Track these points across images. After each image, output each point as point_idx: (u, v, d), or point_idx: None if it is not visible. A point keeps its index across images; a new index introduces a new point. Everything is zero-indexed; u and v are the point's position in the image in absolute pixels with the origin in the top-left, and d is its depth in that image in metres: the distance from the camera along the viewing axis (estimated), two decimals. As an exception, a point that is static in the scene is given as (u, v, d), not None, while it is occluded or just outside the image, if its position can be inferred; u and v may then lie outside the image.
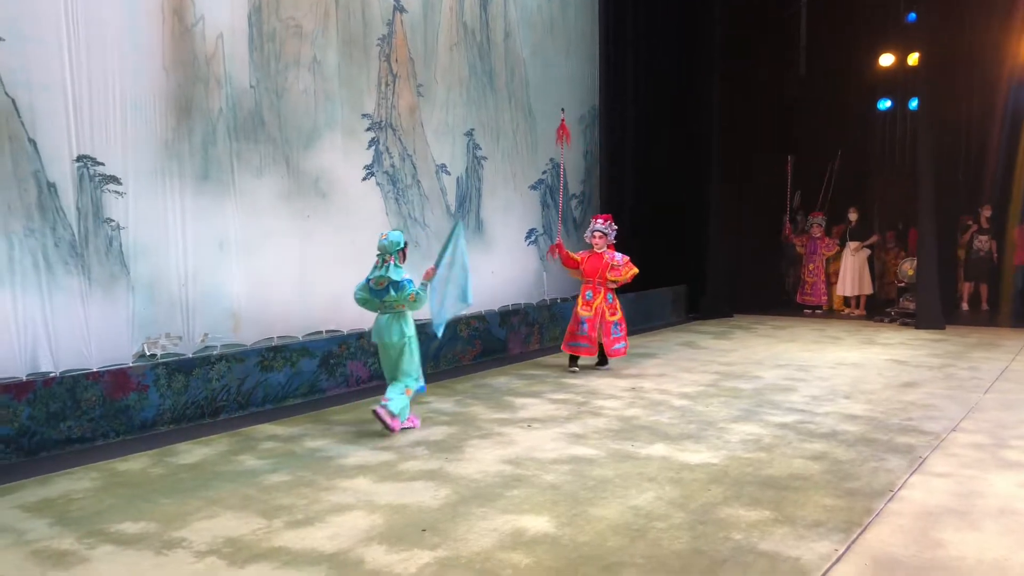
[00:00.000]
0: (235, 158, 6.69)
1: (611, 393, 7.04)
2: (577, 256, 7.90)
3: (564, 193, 10.47)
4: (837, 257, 12.38)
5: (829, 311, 12.46)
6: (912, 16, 12.62)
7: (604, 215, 8.36)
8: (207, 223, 6.50)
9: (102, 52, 5.79)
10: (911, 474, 4.81)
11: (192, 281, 6.39)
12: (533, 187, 9.99)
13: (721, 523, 4.06)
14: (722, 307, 12.02)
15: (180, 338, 6.32)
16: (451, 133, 8.79)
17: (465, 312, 6.45)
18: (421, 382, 5.98)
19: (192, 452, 5.42)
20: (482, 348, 8.80)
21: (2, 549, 3.85)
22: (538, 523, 4.08)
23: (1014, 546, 3.80)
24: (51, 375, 5.53)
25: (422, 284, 5.78)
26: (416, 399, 6.05)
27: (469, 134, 9.01)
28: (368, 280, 5.76)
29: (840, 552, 3.71)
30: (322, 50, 7.37)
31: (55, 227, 5.59)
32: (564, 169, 8.33)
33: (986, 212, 11.93)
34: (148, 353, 6.11)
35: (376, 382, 7.49)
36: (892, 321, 11.29)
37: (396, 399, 5.72)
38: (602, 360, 8.08)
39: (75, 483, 4.80)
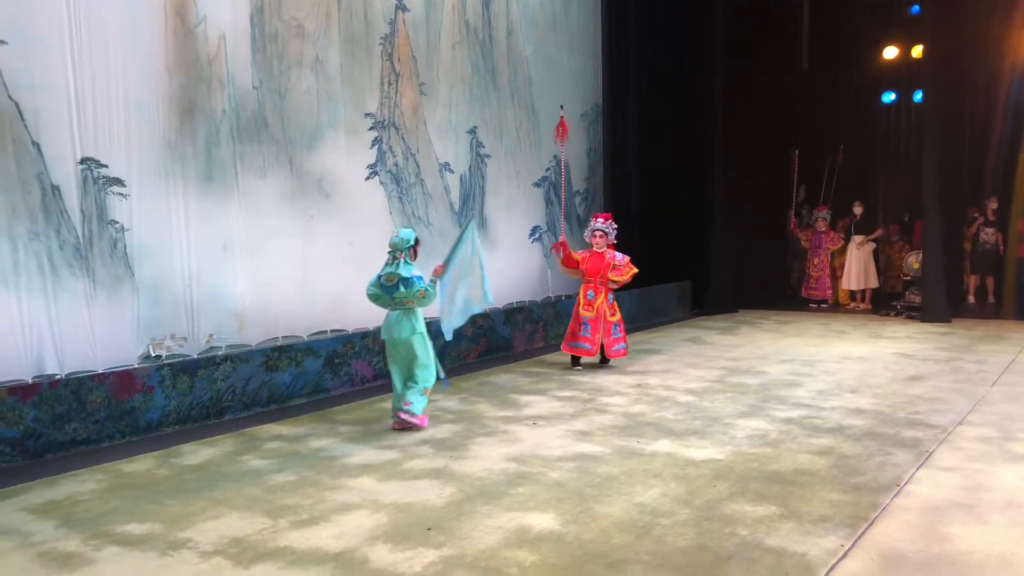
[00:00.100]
0: (238, 159, 6.70)
1: (616, 390, 7.03)
2: (577, 256, 7.85)
3: (567, 190, 10.48)
4: (842, 251, 12.33)
5: (835, 305, 12.42)
6: (915, 8, 12.56)
7: (604, 214, 8.30)
8: (211, 224, 6.51)
9: (105, 53, 5.81)
10: (918, 468, 4.79)
11: (196, 282, 6.41)
12: (537, 184, 9.99)
13: (727, 519, 4.05)
14: (727, 302, 11.99)
15: (185, 339, 6.34)
16: (454, 131, 8.78)
17: (480, 311, 6.42)
18: (443, 375, 6.00)
19: (197, 453, 5.43)
20: (487, 346, 8.80)
21: (8, 551, 3.87)
22: (543, 520, 4.07)
23: (1022, 539, 3.78)
24: (56, 377, 5.55)
25: (431, 281, 5.80)
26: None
27: (472, 132, 9.01)
28: (380, 276, 5.79)
29: (847, 547, 3.70)
30: (324, 50, 7.37)
31: (59, 229, 5.61)
32: (566, 166, 8.29)
33: (992, 204, 11.87)
34: (153, 354, 6.12)
35: (381, 381, 7.50)
36: (898, 315, 11.25)
37: (416, 401, 5.79)
38: (603, 360, 8.05)
39: (81, 485, 4.81)
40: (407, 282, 5.67)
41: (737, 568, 3.52)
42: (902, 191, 12.96)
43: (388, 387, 7.14)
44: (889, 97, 13.96)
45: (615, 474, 4.77)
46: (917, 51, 12.35)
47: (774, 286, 13.09)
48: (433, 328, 6.08)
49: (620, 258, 7.87)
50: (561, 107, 8.24)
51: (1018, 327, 10.12)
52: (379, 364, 7.57)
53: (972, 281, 12.25)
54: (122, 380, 5.79)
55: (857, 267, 12.09)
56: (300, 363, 6.91)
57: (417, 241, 5.87)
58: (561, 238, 7.97)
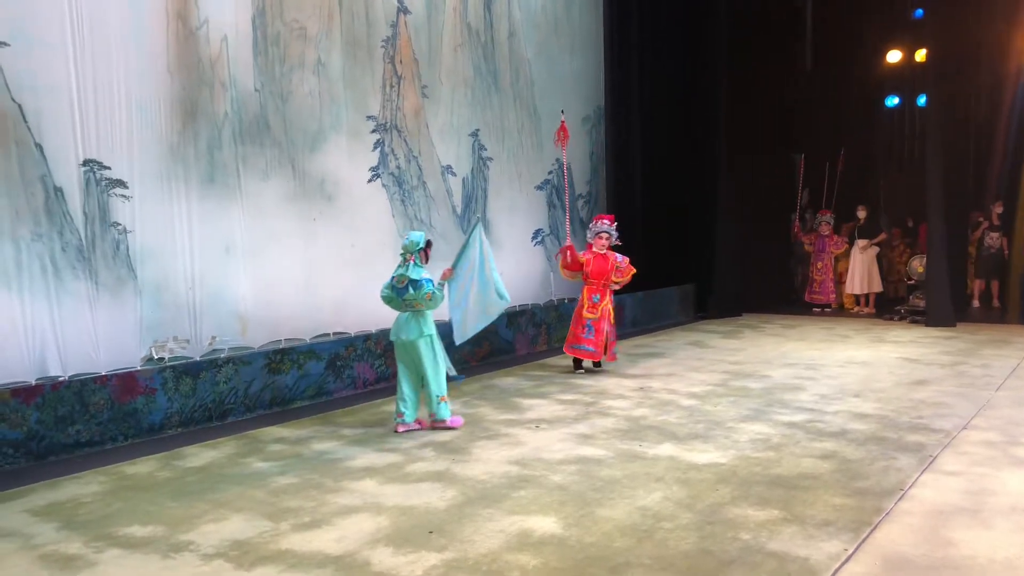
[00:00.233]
0: (241, 161, 6.71)
1: (619, 393, 7.02)
2: (581, 258, 7.80)
3: (571, 194, 10.47)
4: (846, 255, 12.30)
5: (839, 309, 12.39)
6: (919, 12, 12.53)
7: (607, 215, 8.27)
8: (213, 226, 6.51)
9: (107, 56, 5.82)
10: (922, 472, 4.76)
11: (199, 284, 6.41)
12: (539, 187, 9.98)
13: (729, 523, 4.03)
14: (730, 306, 11.96)
15: (188, 341, 6.34)
16: (456, 134, 8.79)
17: (497, 316, 6.41)
18: (453, 372, 6.02)
19: (200, 455, 5.43)
20: (489, 349, 8.79)
21: (11, 553, 3.87)
22: (545, 524, 4.06)
23: (1027, 545, 3.76)
24: (59, 379, 5.55)
25: (439, 284, 5.81)
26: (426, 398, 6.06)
27: (474, 135, 9.01)
28: (392, 278, 5.82)
29: (850, 552, 3.68)
30: (326, 52, 7.38)
31: (62, 231, 5.62)
32: (569, 170, 8.26)
33: (997, 208, 11.83)
34: (156, 356, 6.13)
35: (383, 384, 7.50)
36: (902, 319, 11.21)
37: (439, 410, 5.85)
38: (596, 363, 8.03)
39: (83, 487, 4.81)
40: (416, 284, 5.70)
41: (739, 572, 3.51)
42: (905, 195, 12.93)
43: (391, 390, 7.16)
44: (893, 101, 13.94)
45: (617, 477, 4.75)
46: (921, 55, 12.33)
47: (777, 290, 13.06)
48: (442, 330, 6.08)
49: (621, 259, 7.86)
50: (562, 111, 8.23)
51: (1023, 331, 10.08)
52: (381, 367, 7.57)
53: (977, 285, 12.21)
54: (125, 382, 5.79)
55: (861, 271, 12.05)
56: (302, 366, 6.91)
57: (428, 244, 5.89)
58: (567, 242, 7.93)
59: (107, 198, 5.86)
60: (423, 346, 5.79)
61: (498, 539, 3.89)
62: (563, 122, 7.91)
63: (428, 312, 5.83)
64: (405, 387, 5.88)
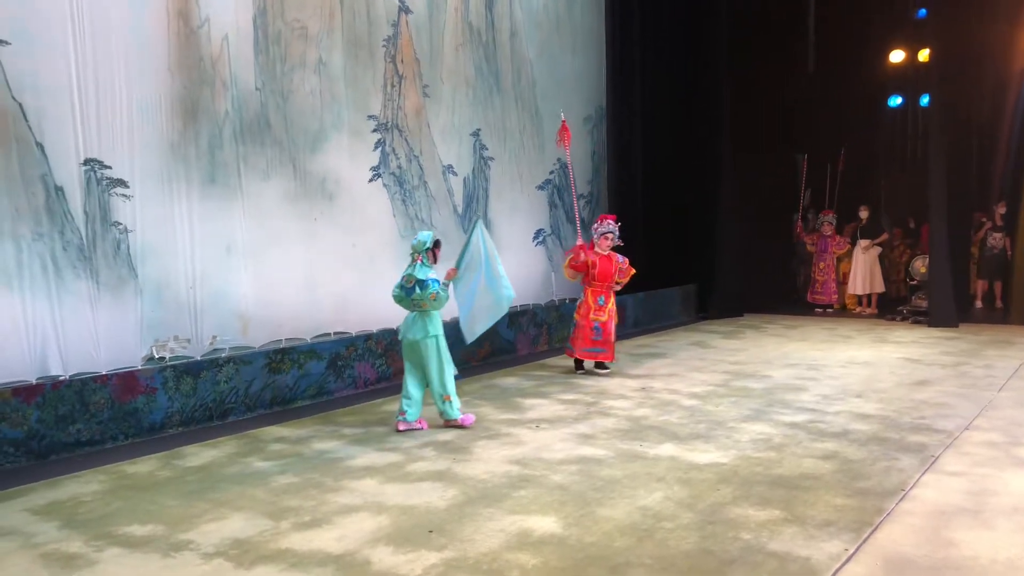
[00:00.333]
0: (241, 161, 6.71)
1: (620, 393, 7.01)
2: (589, 260, 7.71)
3: (572, 193, 10.45)
4: (848, 255, 12.27)
5: (841, 309, 12.36)
6: (922, 12, 12.51)
7: (610, 215, 8.22)
8: (214, 226, 6.51)
9: (108, 55, 5.82)
10: (923, 473, 4.75)
11: (200, 284, 6.41)
12: (540, 187, 9.97)
13: (730, 523, 4.02)
14: (732, 306, 11.94)
15: (189, 341, 6.34)
16: (457, 134, 8.78)
17: (504, 313, 6.38)
18: (455, 371, 6.02)
19: (200, 454, 5.43)
20: (490, 349, 8.78)
21: (11, 552, 3.87)
22: (545, 523, 4.05)
23: (1029, 545, 3.74)
24: (60, 378, 5.55)
25: (443, 284, 5.82)
26: (426, 400, 6.05)
27: (476, 134, 9.01)
28: (402, 278, 5.86)
29: (850, 552, 3.67)
30: (327, 52, 7.38)
31: (63, 231, 5.62)
32: (572, 170, 8.23)
33: (1000, 209, 11.79)
34: (157, 356, 6.13)
35: (384, 383, 7.50)
36: (904, 319, 11.19)
37: (448, 410, 5.88)
38: (581, 365, 7.99)
39: (84, 486, 4.81)
40: (422, 284, 5.74)
41: (740, 572, 3.50)
42: (907, 195, 12.90)
43: (392, 389, 7.18)
44: (896, 101, 13.90)
45: (618, 477, 4.75)
46: (924, 55, 12.30)
47: (779, 290, 13.03)
48: (450, 330, 6.08)
49: (622, 260, 7.83)
50: (562, 112, 8.19)
51: (1025, 332, 10.06)
52: (382, 366, 7.56)
53: (980, 286, 12.17)
54: (125, 381, 5.79)
55: (863, 271, 12.03)
56: (303, 365, 6.91)
57: (437, 244, 5.89)
58: (580, 241, 7.82)
59: (108, 197, 5.86)
60: (428, 346, 5.81)
61: (498, 538, 3.88)
62: (564, 122, 7.88)
63: (435, 312, 5.85)
64: (410, 386, 5.89)
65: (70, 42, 5.61)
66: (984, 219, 11.97)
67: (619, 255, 7.84)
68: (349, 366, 7.29)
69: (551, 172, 10.08)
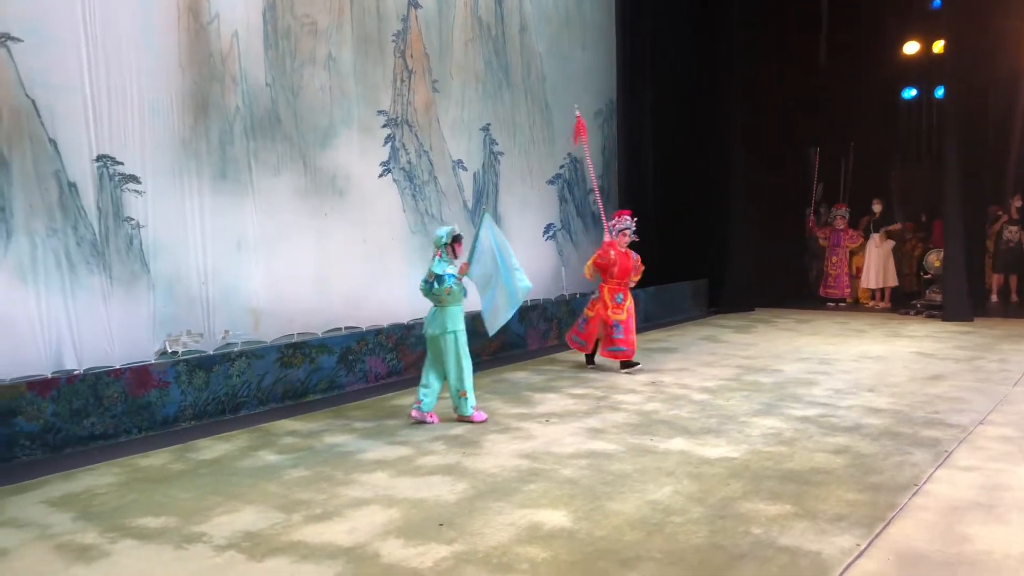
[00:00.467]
0: (252, 156, 6.74)
1: (631, 388, 7.00)
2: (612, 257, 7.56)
3: (583, 188, 10.44)
4: (861, 249, 12.18)
5: (853, 303, 12.28)
6: (937, 3, 12.37)
7: (626, 211, 8.05)
8: (225, 221, 6.55)
9: (119, 51, 5.86)
10: (937, 468, 4.71)
11: (212, 279, 6.45)
12: (550, 182, 9.96)
13: (740, 517, 4.01)
14: (743, 301, 11.89)
15: (201, 335, 6.39)
16: (467, 129, 8.78)
17: (521, 302, 6.36)
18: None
19: (212, 448, 5.46)
20: (501, 343, 8.78)
21: (27, 543, 3.92)
22: (555, 517, 4.06)
23: (1043, 540, 3.71)
24: (74, 372, 5.60)
25: (457, 279, 5.84)
26: (442, 395, 6.07)
27: (485, 129, 9.00)
28: (426, 272, 5.91)
29: (862, 547, 3.65)
30: (337, 47, 7.39)
31: (76, 226, 5.67)
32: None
33: (1016, 202, 11.67)
34: (169, 350, 6.17)
35: (395, 378, 7.52)
36: (918, 314, 11.10)
37: (462, 406, 5.90)
38: (592, 360, 7.95)
39: (98, 478, 4.86)
40: (439, 279, 5.77)
41: (750, 566, 3.49)
42: (919, 189, 12.78)
43: (402, 384, 7.25)
44: (910, 93, 13.76)
45: (628, 472, 4.74)
46: (938, 46, 12.17)
47: (791, 284, 12.96)
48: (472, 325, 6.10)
49: (635, 257, 7.77)
50: (576, 107, 8.13)
51: (1041, 326, 9.96)
52: (393, 361, 7.59)
53: (995, 280, 12.05)
54: (139, 375, 5.84)
55: (876, 265, 11.94)
56: (314, 360, 6.94)
57: (456, 239, 5.90)
58: (607, 238, 7.64)
59: (120, 193, 5.90)
60: (447, 341, 5.85)
61: (508, 532, 3.89)
62: (579, 117, 7.82)
63: (455, 308, 5.87)
64: (430, 376, 5.95)
65: (81, 39, 5.65)
66: (999, 212, 11.84)
67: (633, 252, 7.78)
68: (360, 360, 7.32)
69: (561, 167, 10.06)
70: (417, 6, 8.16)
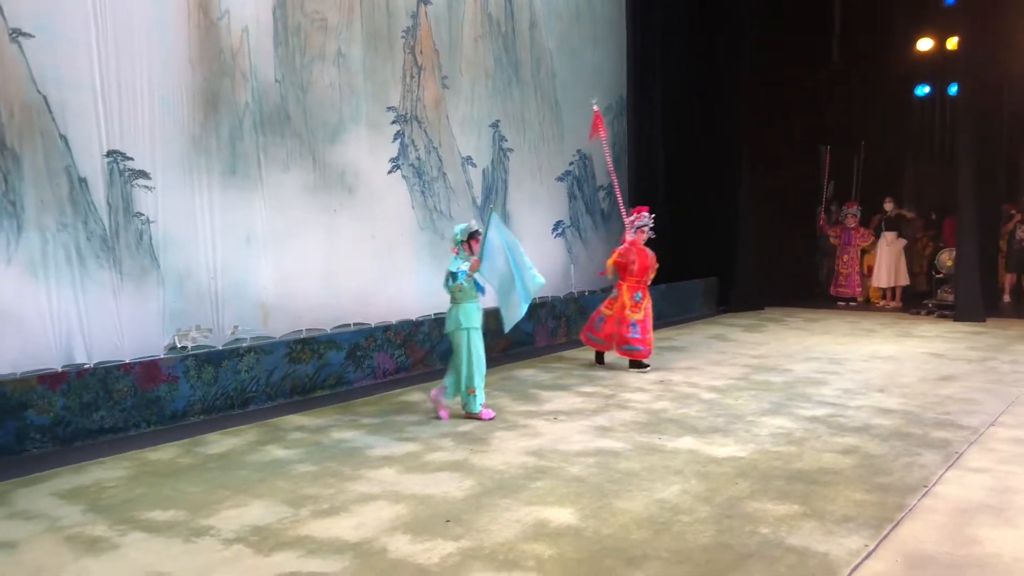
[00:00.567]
0: (262, 152, 6.75)
1: (639, 386, 6.98)
2: (632, 255, 7.48)
3: (592, 185, 10.40)
4: (872, 248, 12.09)
5: (864, 303, 12.21)
6: (951, -1, 12.26)
7: (644, 207, 7.85)
8: (235, 217, 6.57)
9: (130, 47, 5.88)
10: (947, 469, 4.68)
11: (221, 274, 6.47)
12: (560, 179, 9.94)
13: (748, 517, 3.99)
14: (753, 299, 11.83)
15: (210, 330, 6.41)
16: (477, 125, 8.77)
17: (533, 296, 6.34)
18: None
19: (221, 442, 5.49)
20: (509, 341, 8.77)
21: (37, 535, 3.95)
22: (562, 515, 4.05)
23: (1054, 543, 3.68)
24: (85, 366, 5.64)
25: (468, 276, 5.85)
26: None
27: (495, 126, 8.99)
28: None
29: (870, 548, 3.63)
30: (347, 43, 7.39)
31: (87, 221, 5.70)
32: (610, 160, 8.09)
33: (1029, 201, 11.58)
34: (179, 345, 6.20)
35: (403, 374, 7.54)
36: (929, 313, 11.02)
37: (471, 403, 5.92)
38: (602, 359, 7.91)
39: (108, 472, 4.89)
40: (453, 276, 5.82)
41: (757, 566, 3.47)
42: (930, 187, 12.67)
43: (410, 380, 7.34)
44: (923, 90, 13.65)
45: (635, 470, 4.73)
46: (952, 42, 12.06)
47: (802, 283, 12.89)
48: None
49: (651, 254, 7.68)
50: (594, 101, 8.04)
51: (1054, 326, 9.87)
52: (401, 357, 7.60)
53: (1008, 280, 11.96)
54: (148, 370, 5.87)
55: (887, 264, 11.86)
56: (323, 355, 6.96)
57: (473, 235, 5.90)
58: (630, 238, 7.52)
59: (130, 188, 5.93)
60: (459, 338, 5.90)
61: (514, 529, 3.89)
62: (597, 112, 7.74)
63: (468, 305, 5.89)
64: (450, 372, 6.00)
65: (92, 35, 5.67)
66: (1013, 211, 11.74)
67: (649, 249, 7.68)
68: (368, 356, 7.33)
69: (570, 163, 10.04)
70: (427, 2, 8.15)
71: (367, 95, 7.59)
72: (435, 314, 8.03)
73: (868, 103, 13.02)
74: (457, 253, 5.89)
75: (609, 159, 8.04)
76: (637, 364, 7.64)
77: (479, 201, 8.80)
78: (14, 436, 5.21)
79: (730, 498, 4.25)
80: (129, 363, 5.82)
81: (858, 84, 13.08)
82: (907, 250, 12.16)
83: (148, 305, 6.05)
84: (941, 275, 11.41)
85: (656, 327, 10.24)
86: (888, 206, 11.92)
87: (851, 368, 7.59)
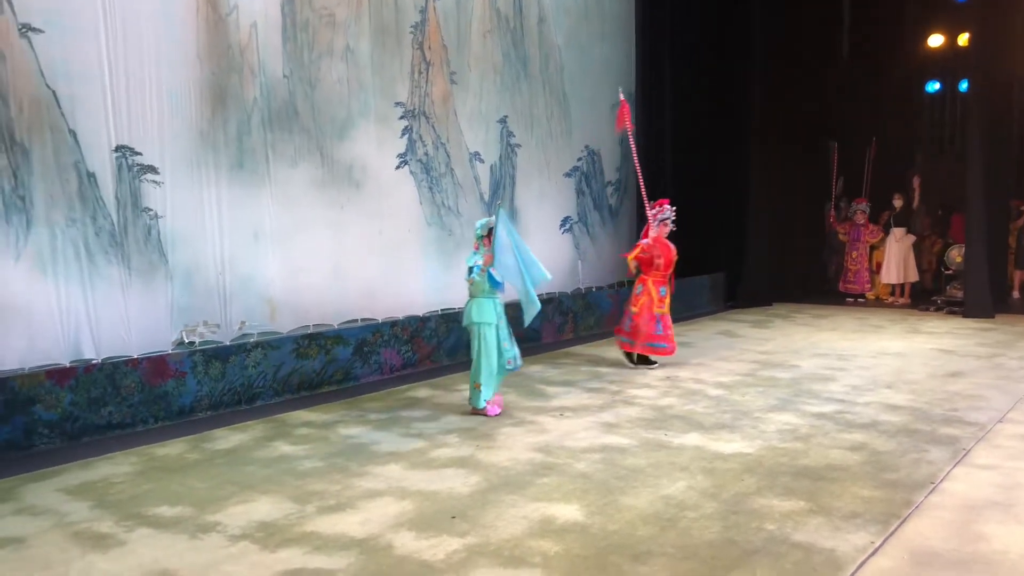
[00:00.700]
0: (269, 148, 6.76)
1: (646, 382, 6.97)
2: (654, 250, 7.38)
3: (600, 181, 10.37)
4: (881, 244, 12.02)
5: (873, 299, 12.15)
6: (962, -5, 12.15)
7: (665, 199, 7.74)
8: (243, 212, 6.58)
9: (138, 42, 5.89)
10: (954, 466, 4.66)
11: (229, 269, 6.49)
12: (568, 175, 9.91)
13: (754, 513, 3.98)
14: (761, 295, 11.78)
15: (218, 326, 6.43)
16: (484, 120, 8.75)
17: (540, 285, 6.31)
18: (509, 365, 6.01)
19: (228, 438, 5.51)
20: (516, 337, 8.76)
21: (45, 530, 3.97)
22: (568, 511, 4.05)
23: (1063, 542, 3.66)
24: (92, 362, 5.66)
25: (482, 270, 5.86)
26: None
27: (503, 121, 8.97)
28: None
29: (877, 544, 3.61)
30: (355, 39, 7.39)
31: (95, 216, 5.72)
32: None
33: (1040, 198, 11.49)
34: (186, 340, 6.23)
35: (409, 370, 7.55)
36: (938, 310, 10.96)
37: (475, 397, 5.95)
38: (634, 358, 7.88)
39: (115, 467, 4.92)
40: (469, 270, 5.91)
41: (763, 562, 3.47)
42: (938, 184, 12.59)
43: (416, 376, 7.38)
44: (934, 87, 13.55)
45: (642, 466, 4.72)
46: (963, 39, 11.96)
47: (810, 279, 12.83)
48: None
49: (673, 248, 7.55)
50: (620, 90, 7.84)
51: (1065, 323, 9.80)
52: (408, 353, 7.61)
53: (1017, 276, 11.88)
54: (156, 365, 5.90)
55: (896, 260, 11.79)
56: (330, 351, 6.97)
57: (490, 231, 5.89)
58: (653, 234, 7.40)
59: (139, 184, 5.95)
60: (473, 332, 5.94)
61: (520, 525, 3.89)
62: (623, 102, 7.56)
63: (483, 300, 5.90)
64: (472, 369, 6.03)
65: (101, 30, 5.68)
66: (1022, 208, 11.65)
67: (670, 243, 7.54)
68: (375, 352, 7.34)
69: (579, 159, 10.01)
70: (434, -2, 8.13)
71: (375, 91, 7.59)
72: (442, 310, 8.04)
73: (879, 99, 12.94)
74: (477, 248, 5.95)
75: (635, 151, 7.95)
76: (644, 360, 7.60)
77: (487, 197, 8.79)
78: (22, 431, 5.24)
79: (736, 494, 4.24)
80: (137, 358, 5.85)
81: (869, 80, 12.99)
82: (917, 246, 12.10)
83: (156, 300, 6.07)
84: (951, 271, 11.34)
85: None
86: (897, 202, 11.85)
87: (859, 364, 7.56)
